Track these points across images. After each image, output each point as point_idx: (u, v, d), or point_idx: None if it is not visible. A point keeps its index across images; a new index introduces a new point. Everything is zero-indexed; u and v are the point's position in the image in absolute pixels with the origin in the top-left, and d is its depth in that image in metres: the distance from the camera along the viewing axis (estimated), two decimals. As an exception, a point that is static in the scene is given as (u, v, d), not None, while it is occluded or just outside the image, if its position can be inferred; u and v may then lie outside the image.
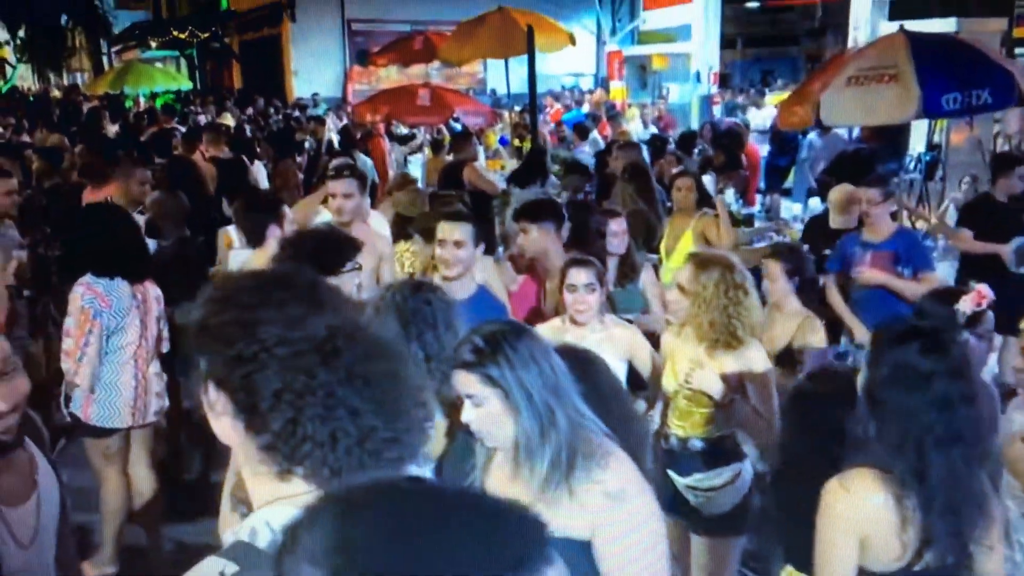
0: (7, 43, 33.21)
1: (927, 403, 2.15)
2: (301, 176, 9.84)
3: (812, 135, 11.18)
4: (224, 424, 1.28)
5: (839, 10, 20.19)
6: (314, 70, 23.04)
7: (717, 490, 3.44)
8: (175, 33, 25.04)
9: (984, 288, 3.50)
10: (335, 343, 1.24)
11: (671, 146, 10.25)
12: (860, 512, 2.16)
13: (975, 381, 2.27)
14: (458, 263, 3.71)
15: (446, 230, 3.76)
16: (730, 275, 3.37)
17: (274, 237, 4.15)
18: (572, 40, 13.31)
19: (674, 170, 7.41)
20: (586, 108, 16.72)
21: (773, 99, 15.88)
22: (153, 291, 4.33)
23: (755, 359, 3.40)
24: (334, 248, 3.45)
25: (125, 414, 4.19)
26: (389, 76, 21.13)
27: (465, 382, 2.10)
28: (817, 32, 28.68)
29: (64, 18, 32.74)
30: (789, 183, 12.19)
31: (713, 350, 3.41)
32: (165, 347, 4.44)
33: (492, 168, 11.12)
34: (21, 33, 32.39)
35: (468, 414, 2.11)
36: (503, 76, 13.39)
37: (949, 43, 7.11)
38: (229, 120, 16.29)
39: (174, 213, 5.64)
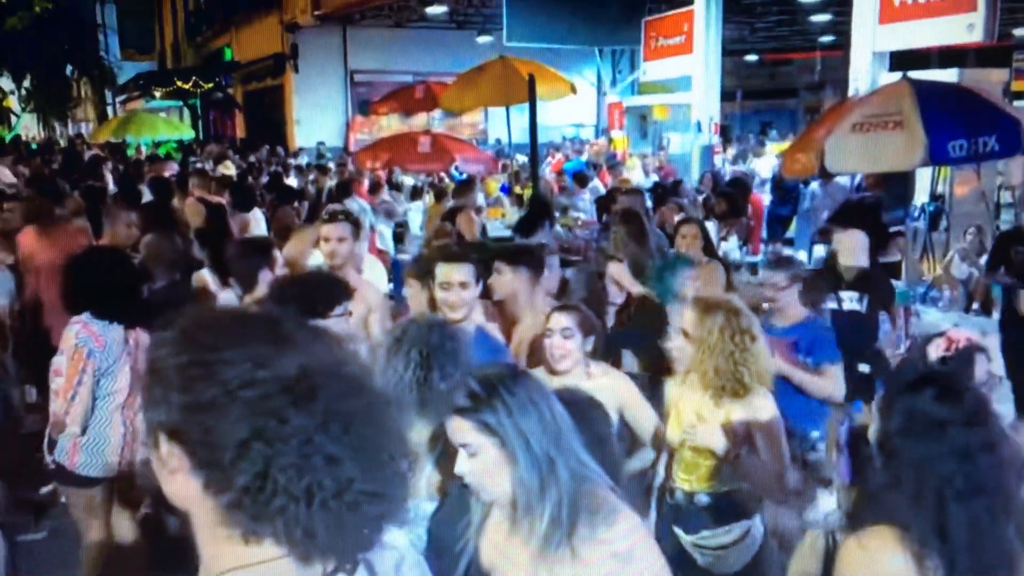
0: (12, 93, 33.52)
1: (944, 452, 2.02)
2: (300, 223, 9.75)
3: (814, 184, 11.15)
4: (178, 483, 1.13)
5: (838, 64, 20.39)
6: (316, 120, 23.18)
7: (726, 548, 3.27)
8: (179, 83, 25.26)
9: (956, 332, 3.35)
10: (310, 382, 1.10)
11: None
12: (879, 573, 2.01)
13: (995, 427, 2.13)
14: (464, 305, 3.61)
15: (449, 272, 3.64)
16: (735, 320, 3.25)
17: (265, 282, 4.06)
18: (573, 89, 13.38)
19: (677, 217, 7.33)
20: (585, 157, 16.77)
21: (773, 149, 15.93)
22: (144, 338, 4.18)
23: (762, 407, 3.26)
24: (323, 290, 3.35)
25: (112, 462, 4.04)
26: (391, 126, 21.24)
27: (459, 429, 1.95)
28: (816, 85, 28.99)
29: (69, 68, 33.13)
30: (791, 233, 12.14)
31: (719, 398, 3.28)
32: None
33: (493, 216, 11.07)
34: (26, 83, 32.72)
35: (462, 465, 1.96)
36: (504, 125, 13.43)
37: (954, 90, 7.09)
38: (230, 168, 16.30)
39: (167, 256, 5.53)
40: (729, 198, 8.80)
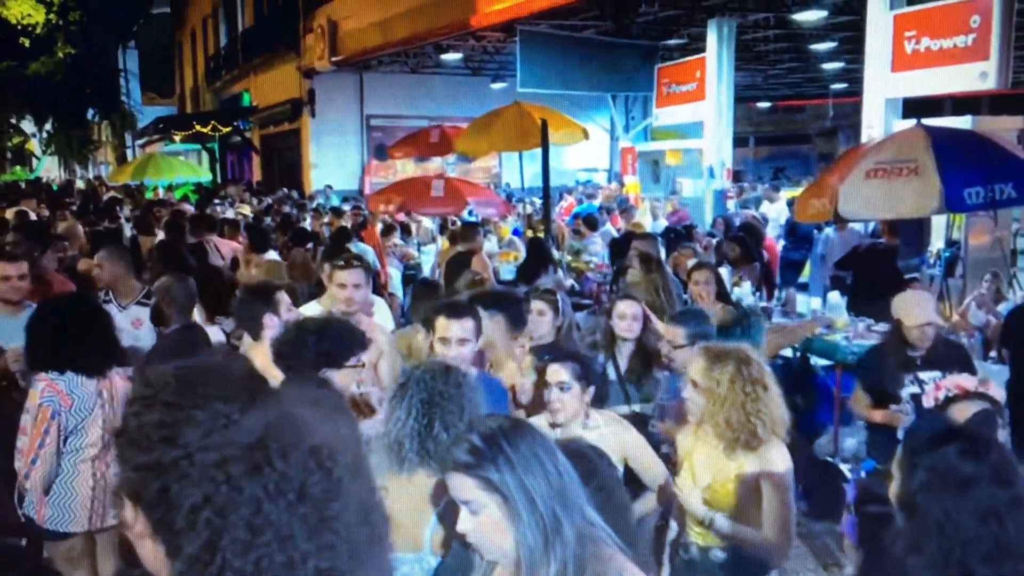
0: (34, 136, 34.07)
1: (970, 511, 1.92)
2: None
3: (828, 230, 11.09)
4: (147, 548, 1.08)
5: (851, 110, 20.46)
6: (333, 164, 23.41)
7: (742, 607, 3.16)
8: (197, 127, 25.58)
9: (944, 380, 3.26)
10: (267, 449, 1.04)
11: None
12: None
13: (1022, 485, 2.03)
14: (462, 361, 3.54)
15: (448, 327, 3.59)
16: (746, 369, 3.14)
17: (271, 328, 3.93)
18: (585, 134, 13.43)
19: (690, 263, 7.29)
20: (598, 201, 16.79)
21: (787, 194, 15.90)
22: (123, 387, 3.96)
23: (775, 460, 3.14)
24: (340, 340, 3.25)
25: (82, 517, 3.87)
26: (406, 171, 21.39)
27: (460, 486, 1.86)
28: (829, 132, 29.09)
29: (91, 112, 33.68)
30: (804, 278, 12.06)
31: (732, 450, 3.17)
32: None
33: (505, 259, 11.05)
34: (48, 126, 33.27)
35: (464, 523, 1.88)
36: (518, 170, 13.48)
37: (970, 137, 7.03)
38: (246, 210, 16.46)
39: (181, 300, 5.46)
40: (741, 243, 8.75)
